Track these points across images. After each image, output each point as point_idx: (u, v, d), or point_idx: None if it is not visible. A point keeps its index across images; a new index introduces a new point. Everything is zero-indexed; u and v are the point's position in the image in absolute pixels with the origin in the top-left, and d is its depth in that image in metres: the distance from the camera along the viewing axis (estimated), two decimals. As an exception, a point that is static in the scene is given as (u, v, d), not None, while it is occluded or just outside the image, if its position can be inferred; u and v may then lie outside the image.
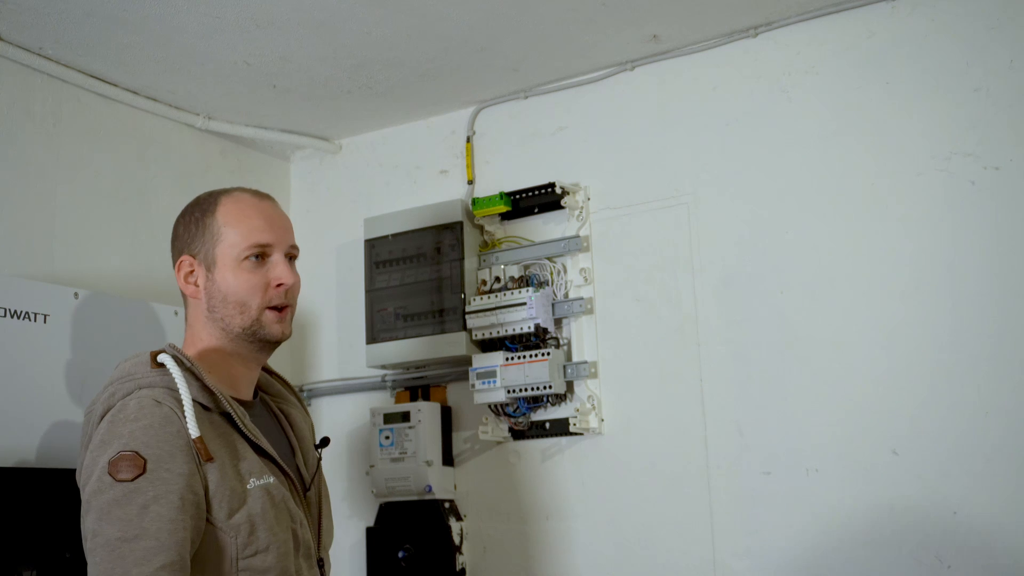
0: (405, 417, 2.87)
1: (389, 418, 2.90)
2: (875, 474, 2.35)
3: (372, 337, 2.95)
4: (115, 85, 2.78)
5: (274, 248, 1.77)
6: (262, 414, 1.83)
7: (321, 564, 1.80)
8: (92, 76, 2.71)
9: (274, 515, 1.65)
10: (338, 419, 3.12)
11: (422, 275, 2.90)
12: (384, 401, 3.05)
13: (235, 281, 1.74)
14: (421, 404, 2.88)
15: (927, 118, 2.40)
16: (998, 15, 2.35)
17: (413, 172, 3.14)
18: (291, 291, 1.78)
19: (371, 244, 3.00)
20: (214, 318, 1.75)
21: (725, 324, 2.57)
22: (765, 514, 2.46)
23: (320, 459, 1.90)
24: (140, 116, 2.87)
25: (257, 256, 1.75)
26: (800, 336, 2.48)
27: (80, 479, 1.63)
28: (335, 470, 3.08)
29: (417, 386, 3.00)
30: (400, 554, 2.81)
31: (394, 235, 2.96)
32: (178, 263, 1.79)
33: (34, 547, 2.15)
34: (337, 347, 3.18)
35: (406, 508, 2.87)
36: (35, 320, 2.31)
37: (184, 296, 1.80)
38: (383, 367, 3.00)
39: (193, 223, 1.79)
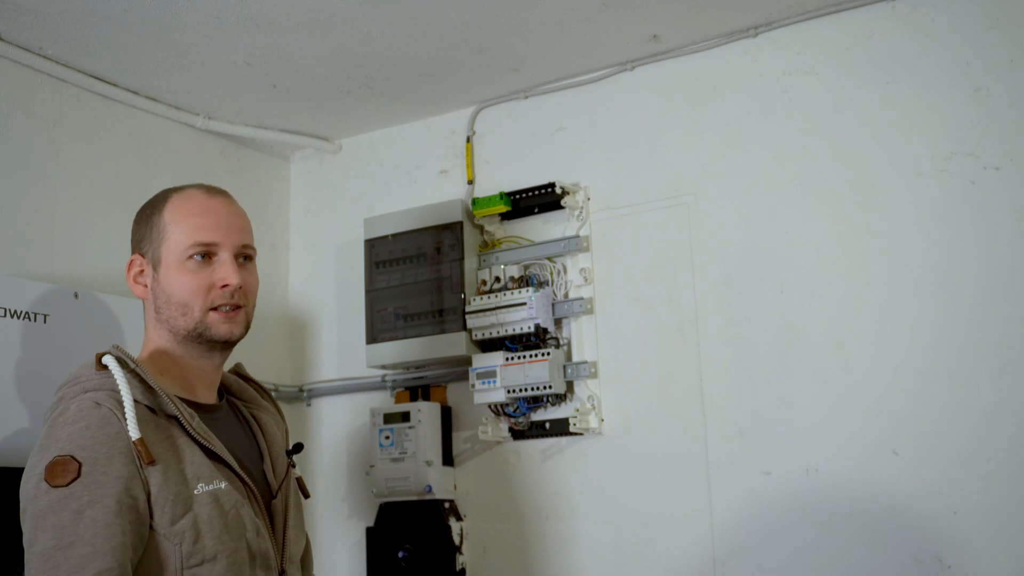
0: (405, 417, 2.87)
1: (389, 418, 2.90)
2: (875, 474, 2.35)
3: (372, 337, 2.95)
4: (115, 85, 2.78)
5: (220, 247, 1.70)
6: (227, 418, 1.77)
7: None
8: (92, 76, 2.71)
9: (223, 523, 1.57)
10: (338, 419, 3.12)
11: (422, 275, 2.90)
12: (384, 401, 3.04)
13: (178, 281, 1.68)
14: (421, 404, 2.88)
15: (927, 118, 2.40)
16: (998, 15, 2.35)
17: (413, 172, 3.13)
18: (242, 292, 1.70)
19: (371, 244, 3.00)
20: (161, 319, 1.70)
21: (725, 324, 2.57)
22: (765, 514, 2.46)
23: (294, 466, 1.83)
24: (140, 116, 2.87)
25: (202, 255, 1.68)
26: (800, 336, 2.48)
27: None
28: (335, 470, 3.08)
29: (417, 386, 3.00)
30: (400, 554, 2.81)
31: (394, 235, 2.96)
32: (129, 262, 1.75)
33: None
34: (337, 347, 3.18)
35: (406, 508, 2.86)
36: (35, 320, 2.31)
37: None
38: (383, 367, 2.99)
39: (143, 221, 1.75)
